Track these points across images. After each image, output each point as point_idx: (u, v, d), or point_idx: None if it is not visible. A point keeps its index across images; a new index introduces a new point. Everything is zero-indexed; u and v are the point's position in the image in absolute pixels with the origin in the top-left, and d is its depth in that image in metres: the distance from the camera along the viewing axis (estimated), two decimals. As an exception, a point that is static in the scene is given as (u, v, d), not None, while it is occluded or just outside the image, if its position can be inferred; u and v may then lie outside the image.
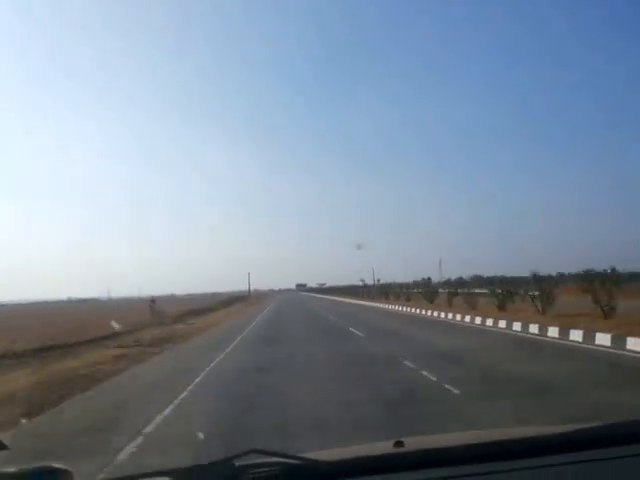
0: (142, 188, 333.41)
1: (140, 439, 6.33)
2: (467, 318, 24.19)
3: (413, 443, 1.68)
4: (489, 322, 21.18)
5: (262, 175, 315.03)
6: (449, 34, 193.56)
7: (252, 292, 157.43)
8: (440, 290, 45.23)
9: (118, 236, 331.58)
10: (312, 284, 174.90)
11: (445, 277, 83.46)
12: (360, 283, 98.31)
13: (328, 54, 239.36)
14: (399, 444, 1.61)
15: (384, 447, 1.64)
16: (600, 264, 22.29)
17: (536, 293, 24.94)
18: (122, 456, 5.64)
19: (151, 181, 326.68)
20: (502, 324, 19.74)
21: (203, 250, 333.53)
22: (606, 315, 19.16)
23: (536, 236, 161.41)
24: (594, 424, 1.67)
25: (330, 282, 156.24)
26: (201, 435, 6.08)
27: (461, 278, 75.44)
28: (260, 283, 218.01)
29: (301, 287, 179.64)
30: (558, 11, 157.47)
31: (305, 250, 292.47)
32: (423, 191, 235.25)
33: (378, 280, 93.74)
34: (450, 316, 26.35)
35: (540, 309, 23.61)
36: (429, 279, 67.89)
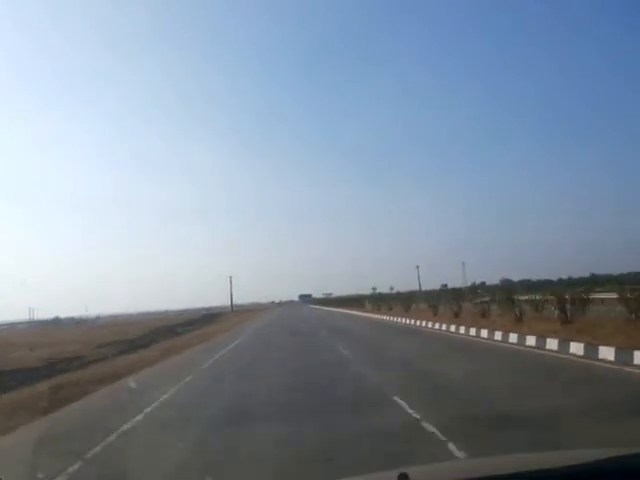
0: (132, 194, 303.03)
1: None
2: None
3: (418, 474, 1.65)
4: None
5: (257, 181, 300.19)
6: (444, 34, 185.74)
7: (250, 305, 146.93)
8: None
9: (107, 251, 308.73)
10: (317, 294, 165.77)
11: (469, 282, 76.50)
12: (370, 291, 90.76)
13: (320, 55, 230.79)
14: (403, 477, 1.58)
15: (388, 478, 1.63)
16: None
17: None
18: None
19: (141, 187, 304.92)
20: None
21: (199, 262, 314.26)
22: None
23: (558, 238, 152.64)
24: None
25: (337, 291, 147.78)
26: None
27: (484, 283, 69.07)
28: (260, 295, 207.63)
29: (305, 298, 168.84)
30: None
31: (309, 259, 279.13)
32: (433, 195, 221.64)
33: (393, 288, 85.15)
34: (578, 350, 12.36)
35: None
36: (445, 285, 61.96)
